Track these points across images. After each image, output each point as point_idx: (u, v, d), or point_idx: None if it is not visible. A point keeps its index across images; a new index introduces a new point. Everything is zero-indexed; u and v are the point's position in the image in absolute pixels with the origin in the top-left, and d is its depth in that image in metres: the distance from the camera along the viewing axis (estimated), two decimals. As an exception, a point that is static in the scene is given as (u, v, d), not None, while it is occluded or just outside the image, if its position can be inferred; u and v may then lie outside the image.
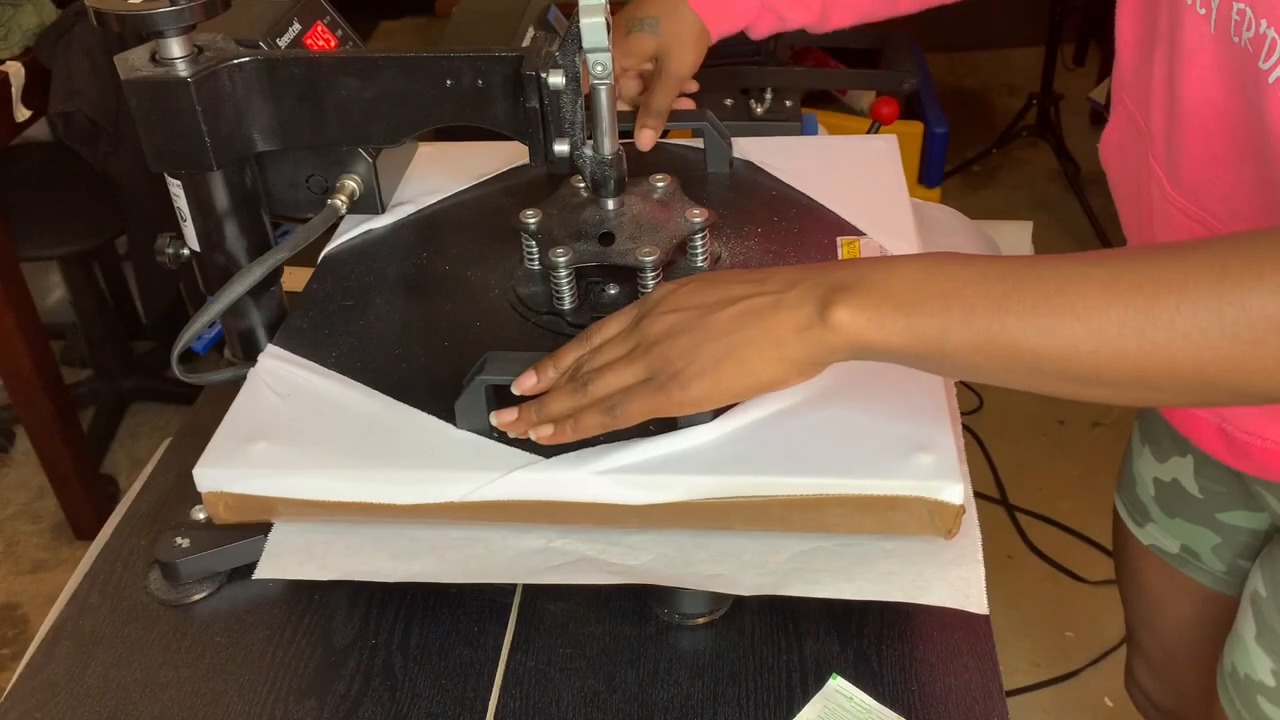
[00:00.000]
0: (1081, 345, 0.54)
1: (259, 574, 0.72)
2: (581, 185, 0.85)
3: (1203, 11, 0.67)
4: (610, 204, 0.82)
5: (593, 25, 0.71)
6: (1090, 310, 0.54)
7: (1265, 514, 0.88)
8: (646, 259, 0.77)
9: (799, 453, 0.68)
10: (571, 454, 0.69)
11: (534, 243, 0.84)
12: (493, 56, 0.75)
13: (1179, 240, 0.75)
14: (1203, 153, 0.71)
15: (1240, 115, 0.67)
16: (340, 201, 0.83)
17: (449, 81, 0.75)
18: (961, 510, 0.66)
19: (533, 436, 0.69)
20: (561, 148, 0.75)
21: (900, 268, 0.60)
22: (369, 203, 0.86)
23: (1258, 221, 0.69)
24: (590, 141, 0.76)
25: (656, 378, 0.64)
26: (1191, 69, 0.69)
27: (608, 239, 0.80)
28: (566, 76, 0.72)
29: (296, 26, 0.85)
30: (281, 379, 0.77)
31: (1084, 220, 2.77)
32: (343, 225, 0.94)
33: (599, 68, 0.73)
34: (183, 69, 0.73)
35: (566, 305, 0.81)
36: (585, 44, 0.71)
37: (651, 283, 0.79)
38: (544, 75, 0.72)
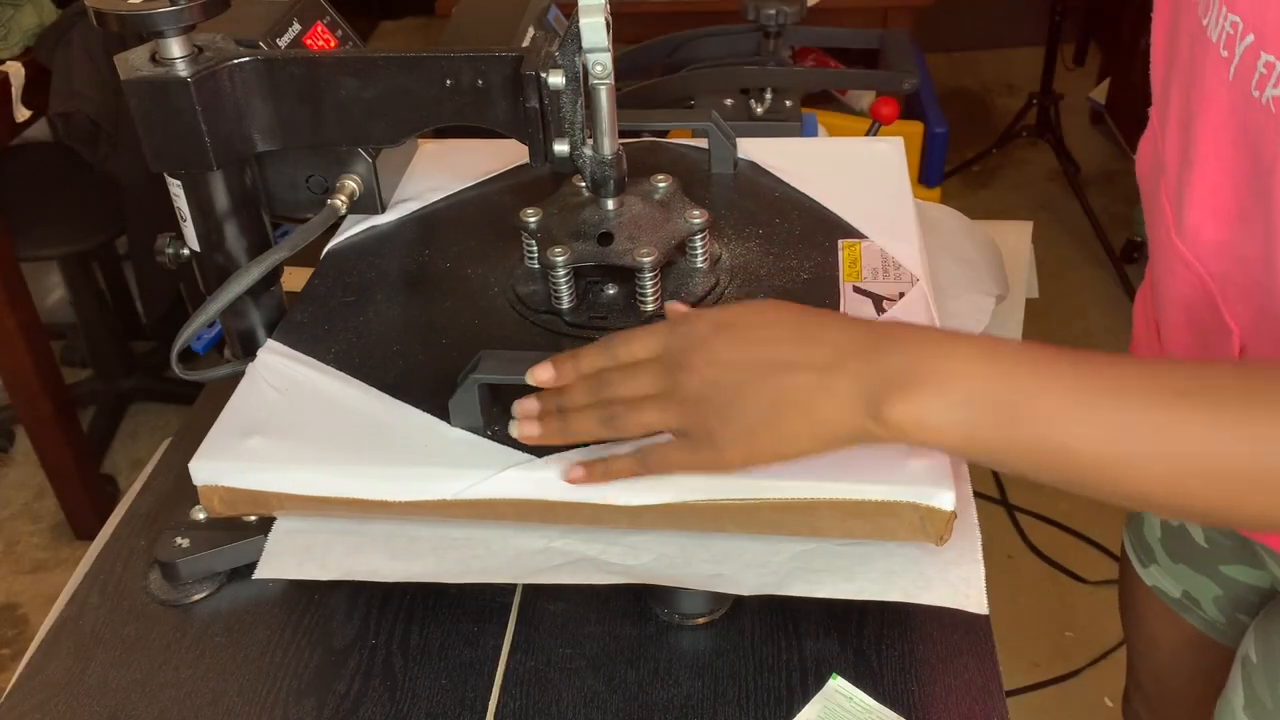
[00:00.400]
0: (1139, 477, 0.53)
1: (259, 574, 0.72)
2: (583, 185, 0.85)
3: (1225, 54, 0.62)
4: (610, 204, 0.82)
5: (592, 25, 0.71)
6: (1147, 451, 0.52)
7: (1266, 572, 0.87)
8: (644, 259, 0.78)
9: None
10: (565, 453, 0.69)
11: (533, 241, 0.84)
12: (493, 56, 0.75)
13: (1204, 348, 0.72)
14: (1207, 204, 0.67)
15: (1248, 176, 0.62)
16: (340, 201, 0.83)
17: (449, 81, 0.75)
18: (953, 516, 0.66)
19: (563, 477, 0.67)
20: (561, 147, 0.75)
21: (960, 362, 0.55)
22: (369, 203, 0.86)
23: (1250, 294, 0.66)
24: (590, 141, 0.76)
25: (691, 436, 0.61)
26: (1207, 115, 0.65)
27: (606, 239, 0.80)
28: (566, 76, 0.72)
29: (296, 26, 0.85)
30: (279, 374, 0.78)
31: (1084, 220, 2.77)
32: (347, 221, 0.94)
33: (599, 68, 0.73)
34: (182, 69, 0.73)
35: (565, 304, 0.81)
36: (585, 44, 0.71)
37: (649, 284, 0.79)
38: (544, 75, 0.72)
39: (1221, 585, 0.92)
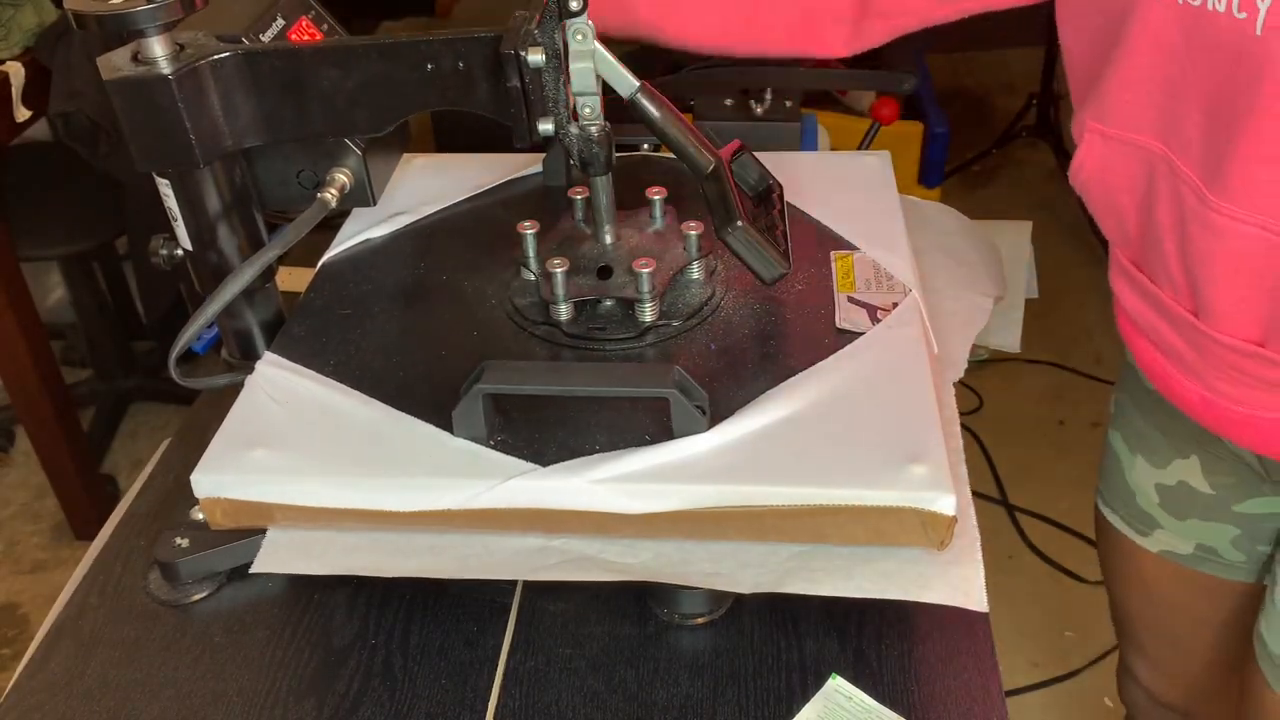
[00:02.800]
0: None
1: (256, 568, 0.72)
2: (579, 219, 0.87)
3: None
4: (608, 238, 0.83)
5: (582, 71, 0.72)
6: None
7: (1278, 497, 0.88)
8: (645, 292, 0.79)
9: (793, 463, 0.68)
10: (569, 462, 0.69)
11: (531, 256, 0.84)
12: (472, 38, 0.74)
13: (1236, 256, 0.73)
14: (1257, 153, 0.68)
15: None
16: (330, 195, 0.82)
17: (430, 66, 0.75)
18: (954, 521, 0.67)
19: None
20: (546, 126, 0.74)
21: None
22: (360, 196, 0.85)
23: None
24: (575, 120, 0.76)
25: None
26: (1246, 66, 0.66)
27: (606, 272, 0.82)
28: (546, 54, 0.72)
29: (280, 21, 0.84)
30: (279, 386, 0.77)
31: (1084, 220, 2.77)
32: (340, 234, 0.94)
33: (587, 110, 0.74)
34: (164, 67, 0.72)
35: (563, 316, 0.81)
36: (575, 88, 0.73)
37: (649, 310, 0.80)
38: (523, 54, 0.71)
39: (1239, 524, 0.94)
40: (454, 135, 1.23)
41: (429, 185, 1.00)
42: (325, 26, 0.90)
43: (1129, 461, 1.00)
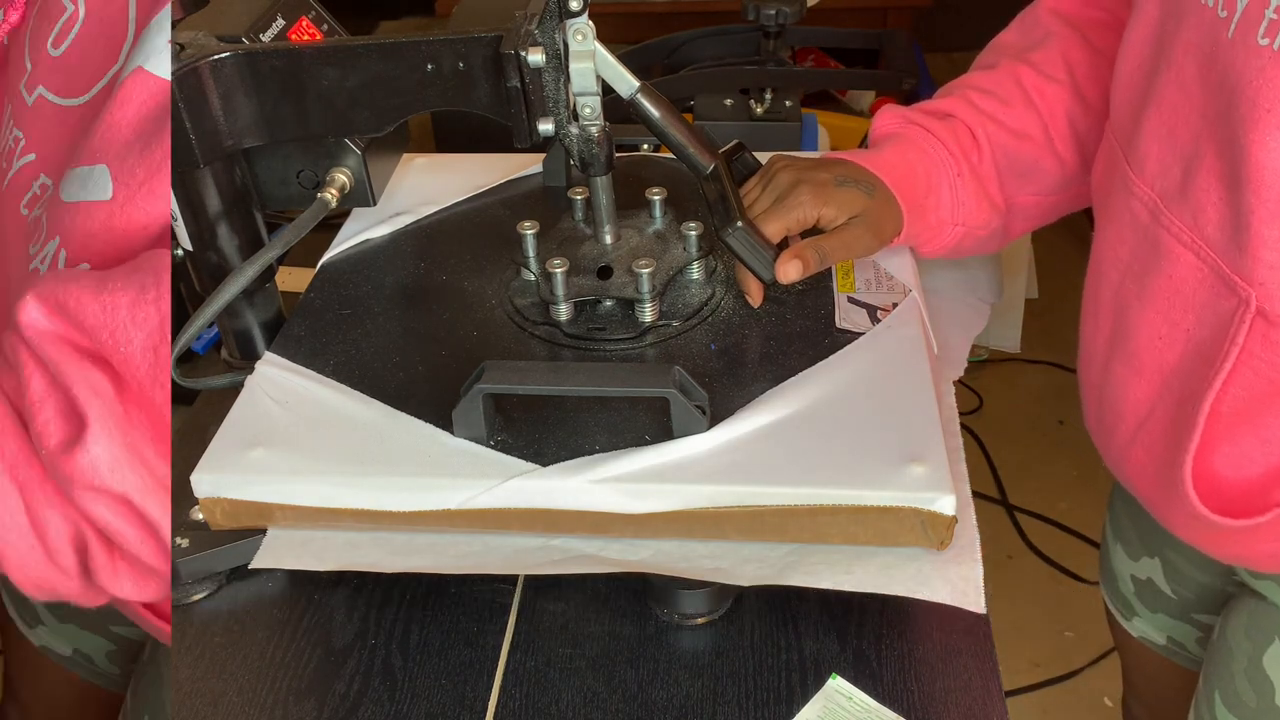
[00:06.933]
0: None
1: (255, 564, 0.72)
2: (579, 219, 0.87)
3: (1223, 14, 0.60)
4: (608, 238, 0.83)
5: (582, 71, 0.72)
6: None
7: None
8: (644, 292, 0.79)
9: (793, 463, 0.68)
10: (569, 462, 0.70)
11: (531, 256, 0.84)
12: (472, 38, 0.74)
13: None
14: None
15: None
16: (330, 195, 0.83)
17: (430, 66, 0.75)
18: (954, 521, 0.67)
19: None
20: (546, 127, 0.74)
21: None
22: (360, 195, 0.85)
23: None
24: (575, 120, 0.76)
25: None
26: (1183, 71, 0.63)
27: (606, 272, 0.82)
28: (546, 54, 0.71)
29: (280, 22, 0.84)
30: (279, 386, 0.77)
31: (1084, 220, 2.77)
32: (340, 234, 0.94)
33: (587, 110, 0.74)
34: (163, 67, 0.72)
35: (563, 316, 0.81)
36: (575, 89, 0.73)
37: (649, 303, 0.79)
38: (523, 54, 0.71)
39: (1201, 629, 0.93)
40: (454, 135, 1.23)
41: (429, 185, 1.00)
42: (325, 26, 0.90)
43: (1112, 547, 0.99)
